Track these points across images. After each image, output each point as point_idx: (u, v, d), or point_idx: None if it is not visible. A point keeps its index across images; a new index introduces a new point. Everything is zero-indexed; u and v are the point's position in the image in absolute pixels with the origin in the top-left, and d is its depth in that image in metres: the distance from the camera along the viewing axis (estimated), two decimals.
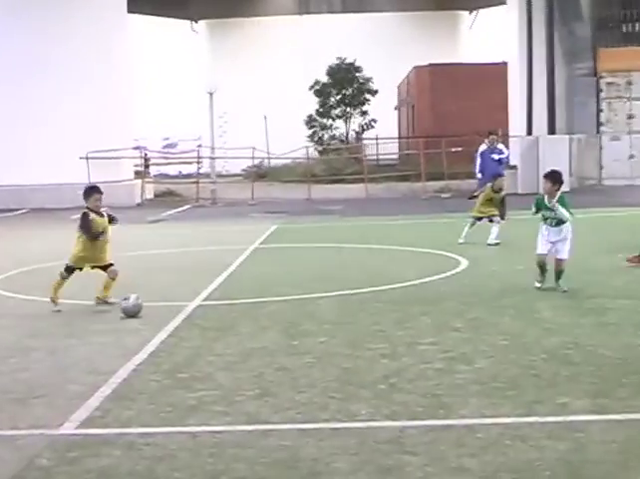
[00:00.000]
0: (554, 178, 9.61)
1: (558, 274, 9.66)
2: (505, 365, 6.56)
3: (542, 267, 9.73)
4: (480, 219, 14.40)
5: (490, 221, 14.32)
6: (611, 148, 28.03)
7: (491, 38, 38.87)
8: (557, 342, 7.24)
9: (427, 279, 10.84)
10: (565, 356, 6.77)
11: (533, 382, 6.09)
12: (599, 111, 28.41)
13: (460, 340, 7.44)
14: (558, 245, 9.56)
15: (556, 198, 9.47)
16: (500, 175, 15.48)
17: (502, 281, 10.59)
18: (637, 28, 28.47)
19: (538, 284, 9.81)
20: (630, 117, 28.13)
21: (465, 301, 9.28)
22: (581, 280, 10.18)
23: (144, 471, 4.64)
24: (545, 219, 9.62)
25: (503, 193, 14.95)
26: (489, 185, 14.63)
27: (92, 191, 9.69)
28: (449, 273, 11.35)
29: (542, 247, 9.68)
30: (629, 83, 28.15)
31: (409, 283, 10.60)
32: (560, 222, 9.52)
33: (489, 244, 14.03)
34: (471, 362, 6.65)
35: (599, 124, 28.36)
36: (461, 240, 14.20)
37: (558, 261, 9.59)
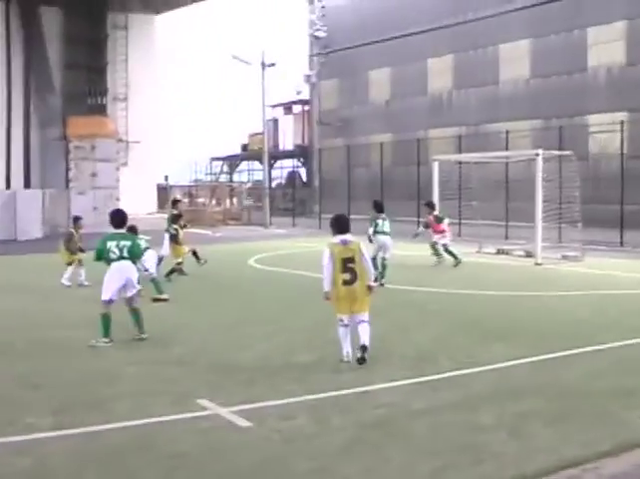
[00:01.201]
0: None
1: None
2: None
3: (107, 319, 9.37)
4: None
5: None
6: (78, 201, 32.98)
7: None
8: (25, 371, 8.35)
9: None
10: (31, 382, 7.80)
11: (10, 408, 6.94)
12: (68, 169, 33.38)
13: None
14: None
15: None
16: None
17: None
18: (99, 101, 34.11)
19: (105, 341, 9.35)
20: (93, 175, 33.64)
21: None
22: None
23: None
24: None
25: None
26: None
27: None
28: None
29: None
30: (93, 147, 33.62)
31: None
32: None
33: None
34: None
35: (68, 180, 33.33)
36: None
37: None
